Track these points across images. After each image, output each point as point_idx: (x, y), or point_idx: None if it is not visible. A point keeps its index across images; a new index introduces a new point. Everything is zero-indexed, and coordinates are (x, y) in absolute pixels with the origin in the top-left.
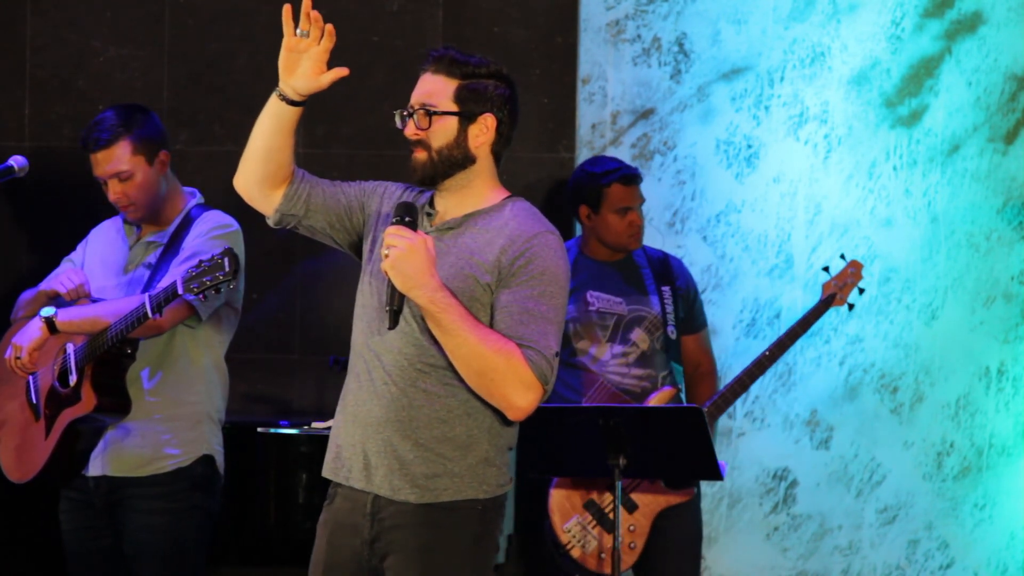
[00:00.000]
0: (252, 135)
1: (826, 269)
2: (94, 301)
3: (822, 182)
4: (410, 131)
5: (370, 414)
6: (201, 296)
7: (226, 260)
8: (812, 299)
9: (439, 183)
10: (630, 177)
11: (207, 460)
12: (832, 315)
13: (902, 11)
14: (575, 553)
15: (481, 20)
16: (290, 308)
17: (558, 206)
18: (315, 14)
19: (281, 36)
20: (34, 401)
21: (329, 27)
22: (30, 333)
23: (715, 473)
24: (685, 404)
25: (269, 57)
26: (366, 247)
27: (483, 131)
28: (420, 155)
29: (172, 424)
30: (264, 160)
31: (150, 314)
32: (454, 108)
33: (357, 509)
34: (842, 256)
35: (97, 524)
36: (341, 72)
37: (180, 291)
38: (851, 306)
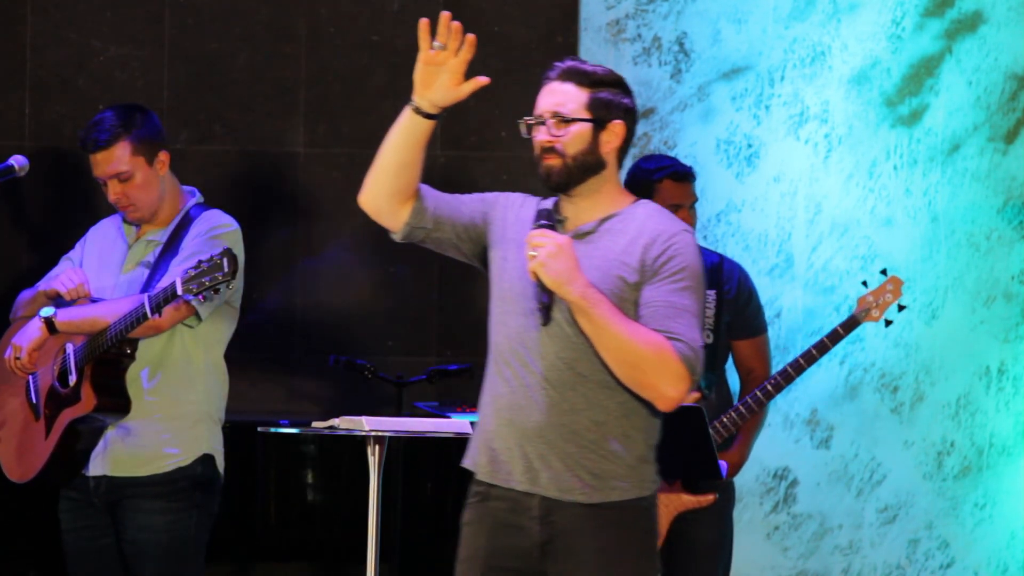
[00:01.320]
0: (382, 151)
1: (864, 283)
2: (93, 301)
3: (822, 182)
4: (543, 137)
5: (529, 419)
6: (200, 296)
7: (225, 260)
8: (812, 299)
9: (572, 189)
10: (682, 174)
11: (207, 460)
12: (832, 315)
13: (902, 10)
14: None
15: (481, 20)
16: (290, 308)
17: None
18: (455, 25)
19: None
20: (34, 401)
21: (470, 37)
22: (30, 333)
23: (715, 473)
24: (685, 404)
25: (269, 57)
26: (496, 255)
27: (613, 137)
28: (554, 161)
29: (172, 424)
30: (396, 175)
31: (149, 314)
32: (587, 115)
33: (521, 511)
34: (883, 271)
35: (97, 524)
36: (481, 82)
37: (179, 291)
38: (888, 322)
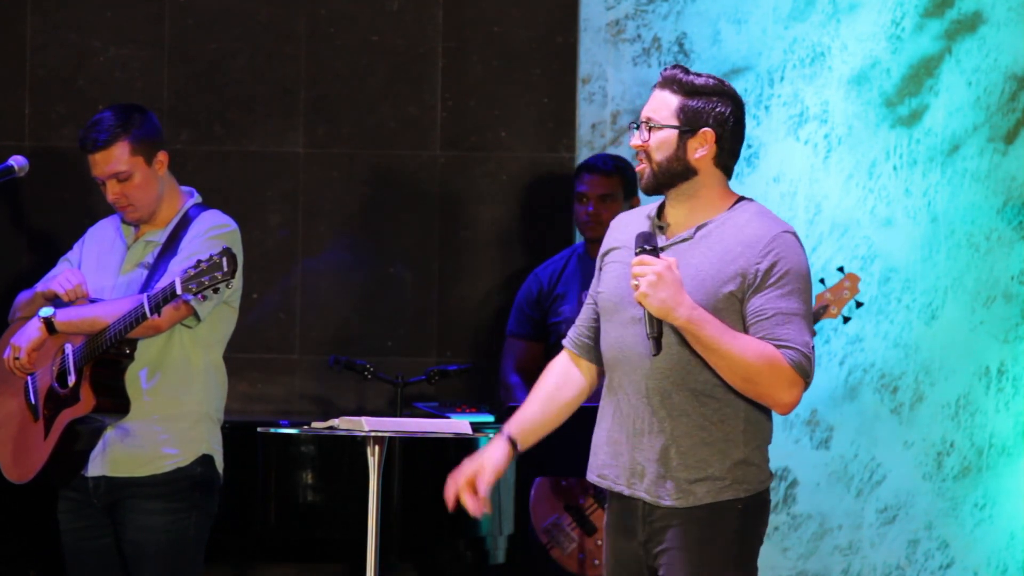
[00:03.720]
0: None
1: (822, 281)
2: (92, 301)
3: (822, 182)
4: (634, 142)
5: (633, 426)
6: (200, 296)
7: (224, 260)
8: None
9: (663, 191)
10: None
11: (206, 460)
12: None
13: (902, 11)
14: (555, 554)
15: (481, 20)
16: (290, 308)
17: (559, 206)
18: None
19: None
20: (33, 402)
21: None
22: (29, 333)
23: None
24: None
25: (269, 57)
26: (603, 275)
27: (702, 145)
28: (644, 167)
29: (170, 424)
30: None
31: (148, 314)
32: (674, 123)
33: (629, 512)
34: (840, 269)
35: (96, 524)
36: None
37: (179, 291)
38: (846, 319)
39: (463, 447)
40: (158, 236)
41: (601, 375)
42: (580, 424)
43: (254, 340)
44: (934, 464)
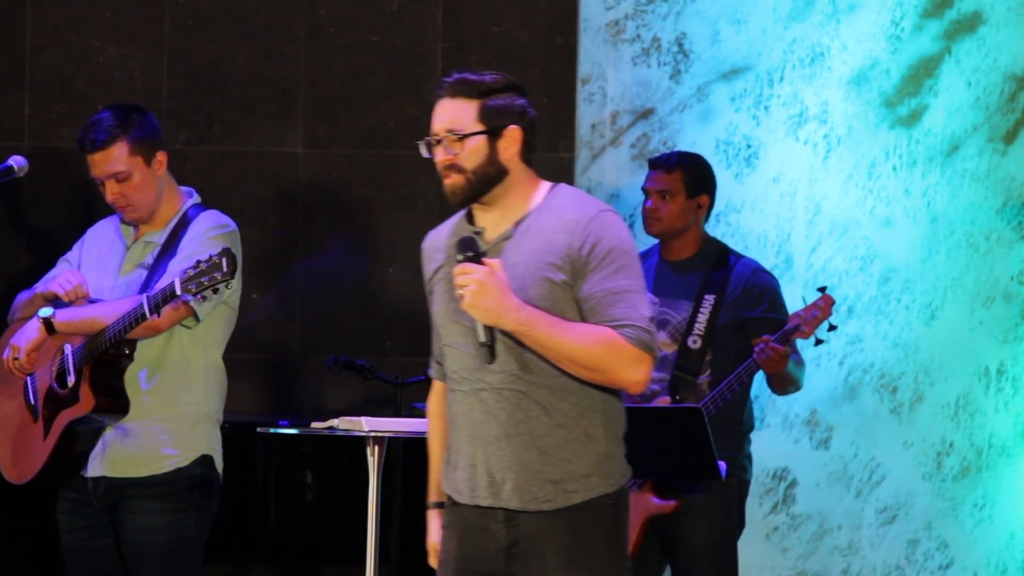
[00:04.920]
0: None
1: (804, 299)
2: (91, 302)
3: (822, 182)
4: (441, 157)
5: (488, 432)
6: (199, 296)
7: (224, 260)
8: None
9: (477, 199)
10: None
11: (206, 460)
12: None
13: (902, 11)
14: None
15: (481, 20)
16: (290, 308)
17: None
18: None
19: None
20: (32, 402)
21: None
22: (28, 334)
23: (715, 473)
24: (684, 404)
25: (269, 57)
26: (432, 290)
27: (511, 143)
28: (456, 179)
29: (170, 424)
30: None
31: (148, 315)
32: (481, 128)
33: (489, 516)
34: (821, 289)
35: (95, 524)
36: None
37: (178, 291)
38: (819, 341)
39: None
40: (157, 236)
41: None
42: None
43: (254, 340)
44: (934, 464)
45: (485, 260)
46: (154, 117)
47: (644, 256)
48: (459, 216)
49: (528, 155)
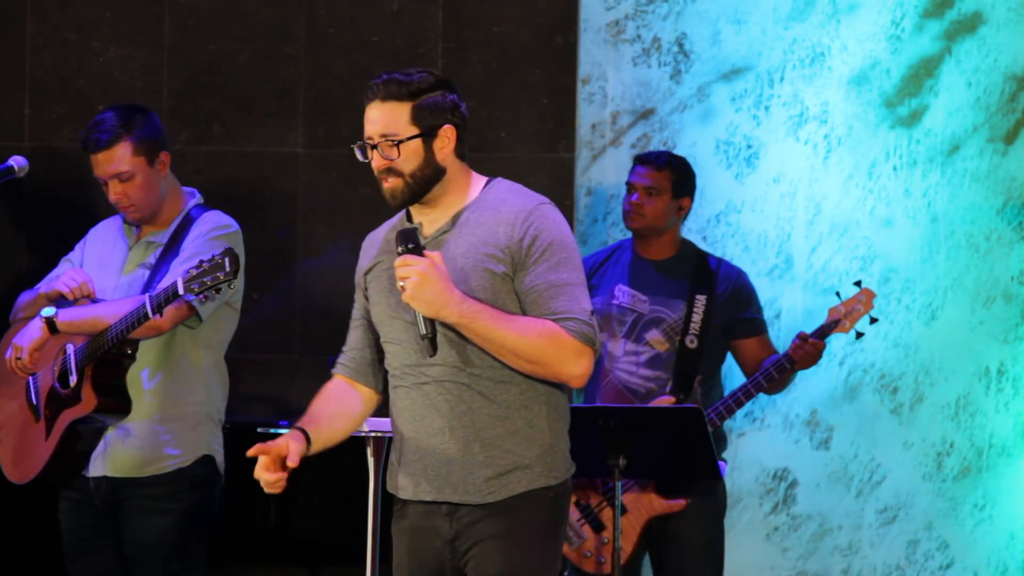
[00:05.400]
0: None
1: (837, 294)
2: (94, 301)
3: (822, 182)
4: (378, 163)
5: (431, 425)
6: (202, 296)
7: (227, 260)
8: (812, 300)
9: (417, 201)
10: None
11: (207, 460)
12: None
13: (902, 11)
14: (566, 549)
15: (481, 20)
16: (290, 308)
17: (559, 206)
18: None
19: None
20: (34, 402)
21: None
22: (30, 334)
23: (715, 473)
24: (684, 404)
25: (269, 57)
26: (369, 287)
27: (446, 142)
28: (395, 183)
29: (172, 424)
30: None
31: (151, 314)
32: (415, 131)
33: (433, 512)
34: (857, 283)
35: (97, 525)
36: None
37: (181, 291)
38: (860, 334)
39: None
40: (160, 236)
41: (377, 400)
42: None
43: (254, 340)
44: (934, 464)
45: (426, 252)
46: (157, 118)
47: (615, 250)
48: (397, 216)
49: (463, 151)
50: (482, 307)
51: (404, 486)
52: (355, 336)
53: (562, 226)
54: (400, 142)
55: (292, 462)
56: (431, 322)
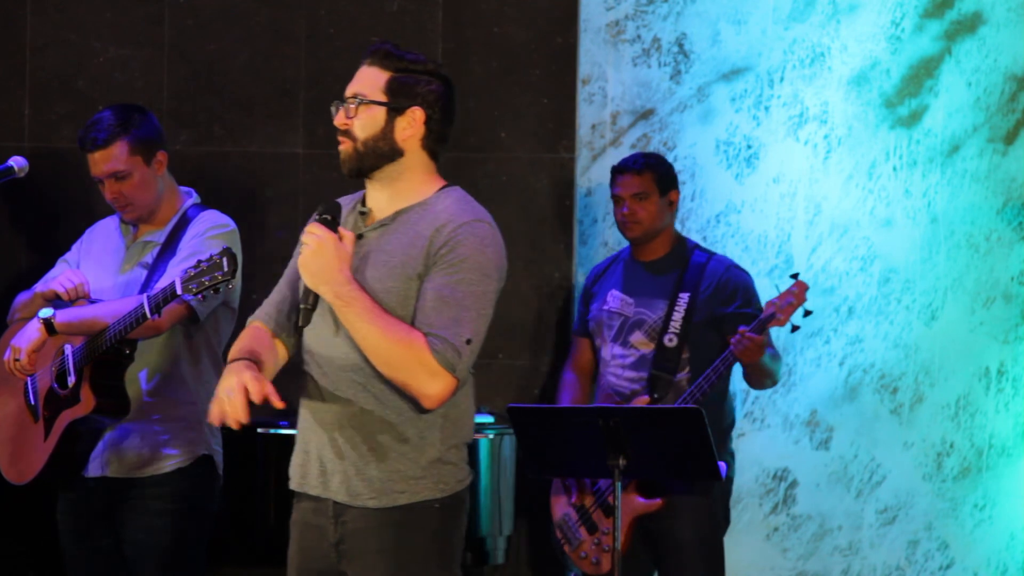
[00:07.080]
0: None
1: (777, 287)
2: (92, 302)
3: (822, 182)
4: (338, 120)
5: (324, 421)
6: (200, 296)
7: (225, 260)
8: (812, 300)
9: (367, 175)
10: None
11: (206, 460)
12: (832, 316)
13: (902, 11)
14: (565, 549)
15: (481, 20)
16: None
17: (559, 206)
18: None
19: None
20: (32, 403)
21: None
22: (28, 334)
23: (714, 473)
24: (685, 404)
25: (269, 58)
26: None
27: (410, 124)
28: (347, 146)
29: (171, 425)
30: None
31: (149, 315)
32: (383, 99)
33: (321, 511)
34: (793, 275)
35: (96, 525)
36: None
37: (179, 291)
38: (795, 328)
39: None
40: (157, 236)
41: (287, 360)
42: (580, 425)
43: None
44: (934, 465)
45: (340, 230)
46: (155, 117)
47: (614, 259)
48: (360, 193)
49: (431, 146)
50: (362, 297)
51: (294, 475)
52: (275, 295)
53: (487, 250)
54: (364, 103)
55: (280, 403)
56: (315, 296)
